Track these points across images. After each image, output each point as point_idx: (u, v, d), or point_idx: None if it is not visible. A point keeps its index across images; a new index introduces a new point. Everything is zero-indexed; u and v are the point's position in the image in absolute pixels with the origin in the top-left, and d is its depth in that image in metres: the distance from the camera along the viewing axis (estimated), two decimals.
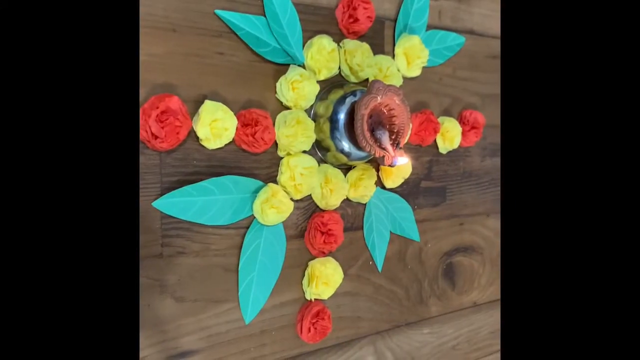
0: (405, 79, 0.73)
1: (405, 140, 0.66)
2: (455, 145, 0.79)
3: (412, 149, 0.76)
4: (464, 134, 0.79)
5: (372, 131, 0.62)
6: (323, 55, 0.64)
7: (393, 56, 0.72)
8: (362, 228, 0.71)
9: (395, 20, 0.73)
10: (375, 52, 0.70)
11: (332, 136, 0.64)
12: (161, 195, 0.55)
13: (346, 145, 0.64)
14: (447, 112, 0.79)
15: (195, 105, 0.57)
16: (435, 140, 0.78)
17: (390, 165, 0.60)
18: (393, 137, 0.62)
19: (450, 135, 0.77)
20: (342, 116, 0.63)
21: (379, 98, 0.59)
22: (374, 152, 0.60)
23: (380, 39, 0.71)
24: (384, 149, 0.60)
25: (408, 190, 0.76)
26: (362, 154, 0.65)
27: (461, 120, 0.80)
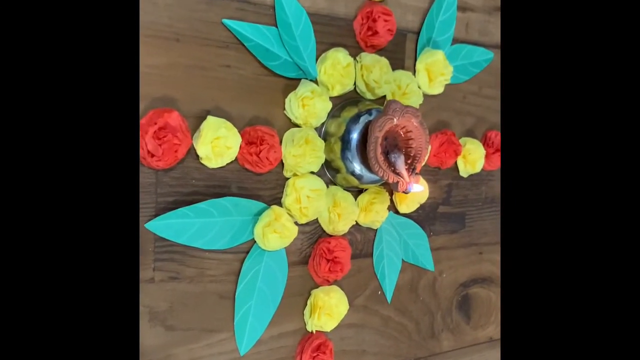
0: (426, 96, 0.72)
1: (422, 165, 0.65)
2: (478, 169, 0.77)
3: (430, 172, 0.75)
4: (487, 156, 0.78)
5: (387, 154, 0.61)
6: (337, 70, 0.63)
7: (414, 72, 0.71)
8: (371, 255, 0.70)
9: (418, 33, 0.71)
10: (394, 67, 0.69)
11: (343, 157, 0.63)
12: (155, 216, 0.54)
13: (358, 167, 0.63)
14: (470, 133, 0.78)
15: (196, 121, 0.56)
16: (456, 163, 0.76)
17: (404, 192, 0.59)
18: (409, 161, 0.61)
19: (472, 158, 0.76)
20: (355, 136, 0.62)
21: (395, 120, 0.58)
22: (387, 177, 0.59)
23: (401, 52, 0.70)
24: (398, 174, 0.59)
25: (424, 216, 0.74)
26: (374, 177, 0.64)
27: (485, 142, 0.78)
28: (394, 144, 0.62)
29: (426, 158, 0.71)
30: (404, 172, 0.59)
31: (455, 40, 0.75)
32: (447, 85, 0.73)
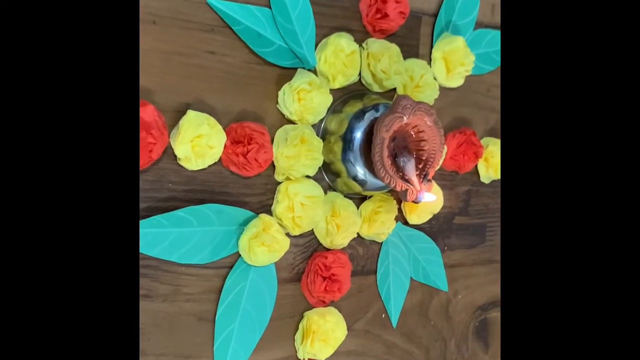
0: (443, 88, 0.72)
1: (436, 169, 0.66)
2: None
3: (446, 177, 0.75)
4: None
5: (395, 157, 0.61)
6: (340, 58, 0.63)
7: (429, 60, 0.71)
8: (375, 272, 0.71)
9: (435, 16, 0.71)
10: (407, 55, 0.70)
11: (344, 159, 0.63)
12: None
13: (361, 171, 0.63)
14: (493, 132, 0.78)
15: (175, 116, 0.57)
16: (476, 167, 0.77)
17: (414, 202, 0.60)
18: (420, 166, 0.61)
19: (495, 162, 0.76)
20: (358, 135, 0.62)
21: (405, 118, 0.59)
22: (394, 184, 0.59)
23: (415, 38, 0.71)
24: (407, 180, 0.60)
25: (437, 228, 0.75)
26: (380, 182, 0.64)
27: None
28: (404, 146, 0.62)
29: (441, 162, 0.71)
30: (414, 179, 0.60)
31: (479, 24, 0.75)
32: (468, 77, 0.74)
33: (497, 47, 0.76)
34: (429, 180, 0.61)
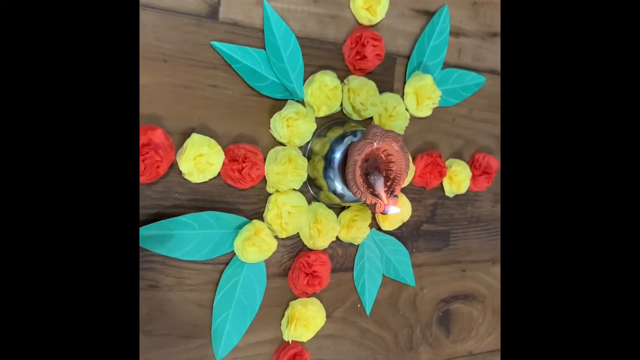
0: (415, 118, 0.72)
1: (402, 186, 0.65)
2: (463, 190, 0.77)
3: (416, 191, 0.74)
4: (474, 178, 0.77)
5: (367, 175, 0.61)
6: (324, 92, 0.63)
7: (402, 95, 0.71)
8: (352, 269, 0.71)
9: (408, 57, 0.71)
10: (383, 90, 0.69)
11: (326, 175, 0.63)
12: None
13: (339, 186, 0.63)
14: (458, 154, 0.78)
15: (182, 138, 0.57)
16: (441, 183, 0.76)
17: (382, 213, 0.59)
18: (388, 183, 0.61)
19: (457, 180, 0.75)
20: (337, 156, 0.62)
21: (375, 144, 0.58)
22: (365, 199, 0.59)
23: (390, 75, 0.70)
24: (376, 195, 0.59)
25: (407, 233, 0.74)
26: None
27: (472, 164, 0.78)
28: (375, 166, 0.61)
29: (408, 181, 0.71)
30: (383, 194, 0.59)
31: (447, 65, 0.74)
32: (436, 108, 0.73)
33: (462, 84, 0.75)
34: (395, 196, 0.60)
